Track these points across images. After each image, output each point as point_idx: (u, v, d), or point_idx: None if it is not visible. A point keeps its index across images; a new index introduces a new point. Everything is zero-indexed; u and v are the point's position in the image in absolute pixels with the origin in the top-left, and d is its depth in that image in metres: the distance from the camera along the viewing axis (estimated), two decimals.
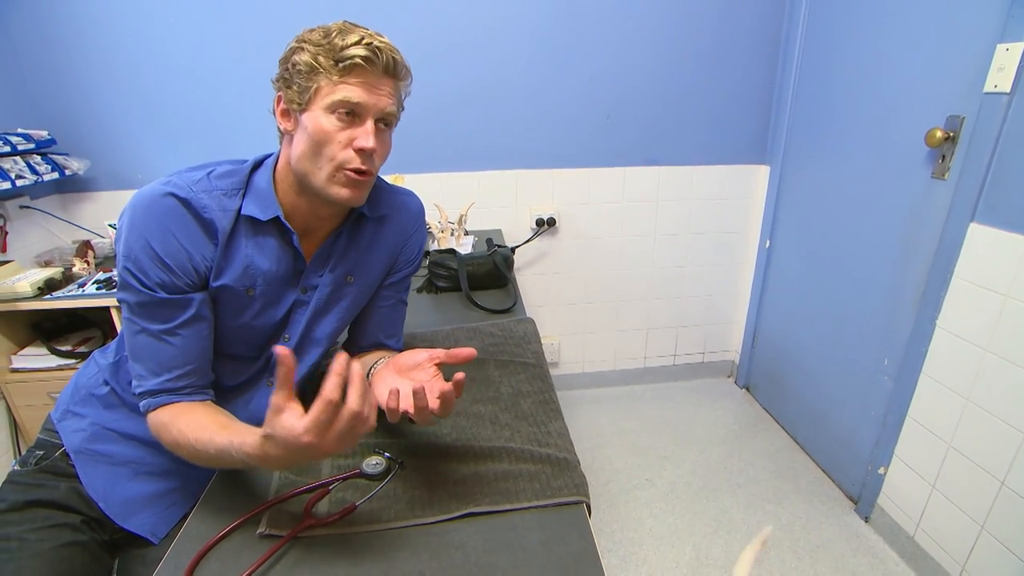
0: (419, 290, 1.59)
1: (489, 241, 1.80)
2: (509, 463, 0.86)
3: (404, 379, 0.83)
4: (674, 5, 2.07)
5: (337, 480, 0.82)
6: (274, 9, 1.90)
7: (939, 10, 1.55)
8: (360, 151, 0.78)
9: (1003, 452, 1.41)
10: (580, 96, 2.14)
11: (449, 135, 2.10)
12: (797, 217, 2.22)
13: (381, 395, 0.79)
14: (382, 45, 0.77)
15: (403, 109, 0.85)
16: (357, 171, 0.79)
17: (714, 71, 2.18)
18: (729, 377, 2.75)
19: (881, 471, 1.80)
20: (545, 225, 2.28)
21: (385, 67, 0.78)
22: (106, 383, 0.93)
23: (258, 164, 0.85)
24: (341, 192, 0.80)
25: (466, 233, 2.00)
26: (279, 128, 0.83)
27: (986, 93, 1.40)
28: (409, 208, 0.99)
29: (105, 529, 0.90)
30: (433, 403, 0.73)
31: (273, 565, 0.69)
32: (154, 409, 0.80)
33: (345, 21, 0.79)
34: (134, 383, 0.81)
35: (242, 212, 0.81)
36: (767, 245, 2.39)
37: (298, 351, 0.93)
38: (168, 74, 1.94)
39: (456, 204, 2.03)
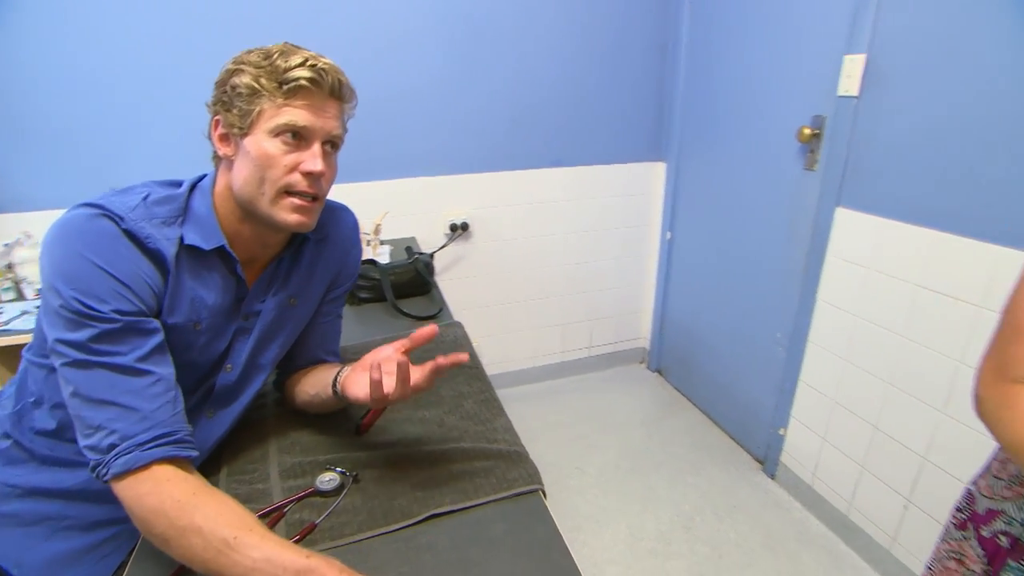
0: None
1: (409, 249, 1.80)
2: (463, 462, 0.89)
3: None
4: (572, 16, 2.18)
5: (291, 501, 0.81)
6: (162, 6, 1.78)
7: (798, 24, 1.76)
8: (308, 175, 0.76)
9: (875, 402, 1.63)
10: (487, 102, 2.19)
11: (359, 145, 2.06)
12: (693, 209, 2.41)
13: (357, 394, 0.80)
14: (327, 67, 0.75)
15: (346, 131, 0.84)
16: (306, 196, 0.77)
17: (611, 76, 2.32)
18: (642, 363, 2.92)
19: (781, 432, 2.01)
20: (459, 230, 2.31)
21: (331, 89, 0.76)
22: (7, 436, 0.84)
23: (192, 187, 0.81)
24: (290, 218, 0.78)
25: (381, 243, 1.98)
26: (216, 153, 0.80)
27: (840, 96, 1.61)
28: (346, 223, 0.99)
29: None
30: (418, 376, 0.75)
31: None
32: (139, 469, 0.67)
33: (286, 43, 0.77)
34: (96, 439, 0.67)
35: (184, 242, 0.76)
36: (668, 237, 2.57)
37: (243, 379, 0.89)
38: (28, 76, 1.74)
39: (369, 214, 2.00)
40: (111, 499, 0.82)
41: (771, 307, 2.00)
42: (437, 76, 2.10)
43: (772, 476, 2.09)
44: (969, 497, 0.84)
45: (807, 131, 1.71)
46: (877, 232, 1.56)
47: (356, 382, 0.83)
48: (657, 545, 1.80)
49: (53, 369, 0.73)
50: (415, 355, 0.80)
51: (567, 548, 0.75)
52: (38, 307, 0.79)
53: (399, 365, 0.73)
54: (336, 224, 0.97)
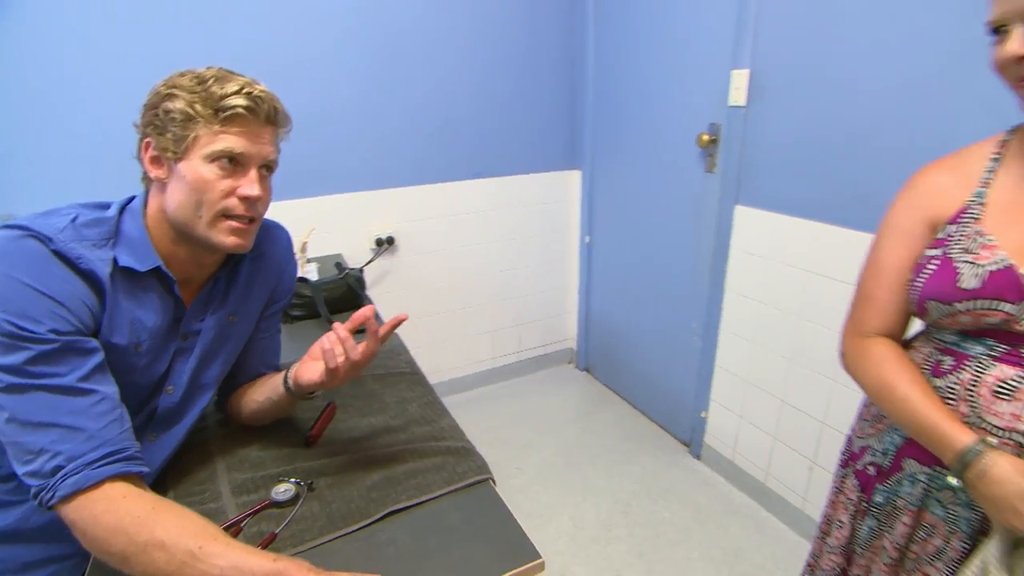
0: None
1: (338, 265, 1.80)
2: (414, 461, 0.93)
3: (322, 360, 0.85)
4: (486, 34, 2.26)
5: (247, 516, 0.81)
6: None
7: (691, 41, 1.93)
8: (245, 199, 0.78)
9: (780, 378, 1.81)
10: (407, 118, 2.22)
11: (282, 163, 2.04)
12: (609, 213, 2.56)
13: (312, 377, 0.84)
14: (263, 94, 0.77)
15: (280, 152, 0.86)
16: (243, 218, 0.79)
17: (525, 90, 2.42)
18: (570, 363, 3.04)
19: (703, 415, 2.17)
20: (385, 244, 2.32)
21: (267, 116, 0.78)
22: None
23: (122, 210, 0.80)
24: (228, 240, 0.79)
25: (308, 261, 1.96)
26: (147, 175, 0.79)
27: (731, 106, 1.79)
28: (280, 241, 1.00)
29: None
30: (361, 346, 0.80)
31: None
32: (94, 486, 0.65)
33: (220, 68, 0.78)
34: (38, 463, 0.65)
35: (119, 264, 0.75)
36: (587, 241, 2.71)
37: (185, 400, 0.88)
38: None
39: (295, 232, 1.97)
40: (44, 538, 0.80)
41: (685, 300, 2.16)
42: (356, 93, 2.11)
43: (698, 457, 2.24)
44: (848, 441, 0.99)
45: (705, 137, 1.88)
46: (771, 226, 1.75)
47: (308, 369, 0.86)
48: (599, 532, 1.89)
49: None
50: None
51: (521, 527, 0.80)
52: None
53: (343, 339, 0.78)
54: (271, 242, 0.98)
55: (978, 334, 0.76)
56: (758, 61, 1.68)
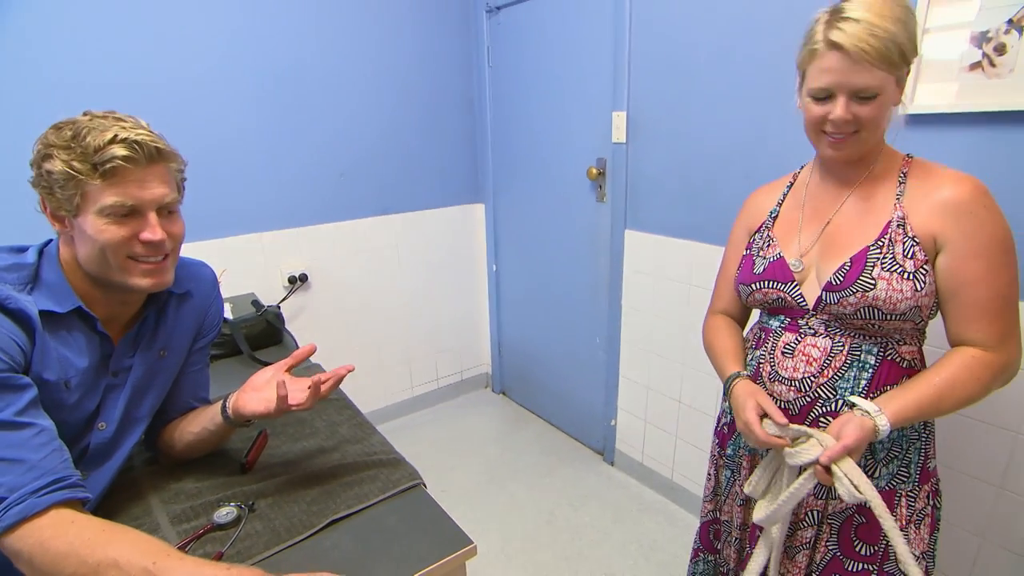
0: None
1: (255, 303, 1.82)
2: (349, 475, 1.00)
3: (268, 391, 0.92)
4: (388, 75, 2.39)
5: (190, 541, 0.85)
6: None
7: (576, 85, 2.16)
8: (148, 243, 0.79)
9: (676, 381, 2.02)
10: (314, 158, 2.29)
11: (189, 205, 2.03)
12: (512, 243, 2.73)
13: (256, 408, 0.90)
14: (140, 137, 0.75)
15: (185, 179, 0.88)
16: (152, 260, 0.81)
17: (428, 129, 2.57)
18: (486, 387, 3.14)
19: (612, 423, 2.35)
20: (298, 281, 2.34)
21: (149, 158, 0.77)
22: None
23: (40, 254, 0.82)
24: (143, 282, 0.82)
25: (224, 302, 1.95)
26: (53, 226, 0.81)
27: (614, 143, 2.02)
28: (205, 278, 1.05)
29: None
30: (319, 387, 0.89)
31: None
32: (39, 513, 0.67)
33: (96, 113, 0.77)
34: None
35: (38, 308, 0.77)
36: (495, 269, 2.86)
37: (118, 435, 0.90)
38: None
39: None
40: None
41: (588, 318, 2.36)
42: (262, 134, 2.15)
43: (612, 463, 2.41)
44: (720, 412, 1.21)
45: (594, 170, 2.10)
46: (656, 246, 1.98)
47: (251, 400, 0.92)
48: (526, 543, 1.99)
49: None
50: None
51: (454, 521, 0.90)
52: None
53: (279, 383, 0.86)
54: (195, 280, 1.02)
55: (775, 311, 1.02)
56: (633, 104, 1.93)
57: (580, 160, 2.19)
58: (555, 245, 2.46)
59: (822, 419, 0.94)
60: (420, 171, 2.60)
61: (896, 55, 0.81)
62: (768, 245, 1.03)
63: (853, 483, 0.83)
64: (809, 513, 1.01)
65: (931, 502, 0.99)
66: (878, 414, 0.85)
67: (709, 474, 1.23)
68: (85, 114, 0.79)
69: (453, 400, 3.00)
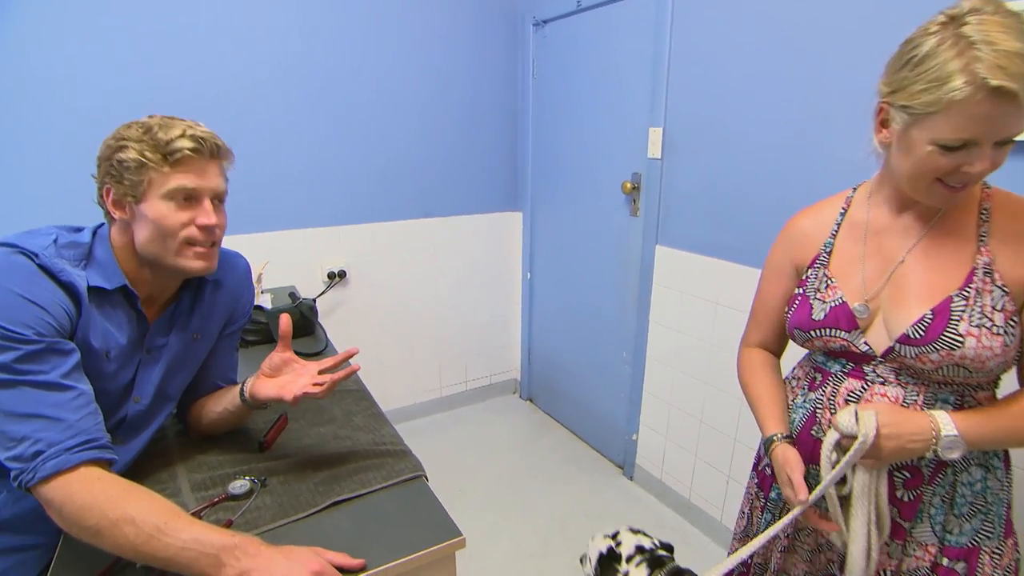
0: None
1: (292, 295, 1.92)
2: (357, 461, 1.05)
3: (280, 376, 0.99)
4: (435, 86, 2.48)
5: (205, 507, 0.92)
6: None
7: (616, 100, 2.19)
8: (204, 227, 0.89)
9: (698, 400, 2.01)
10: (361, 160, 2.39)
11: (240, 199, 2.14)
12: (547, 252, 2.76)
13: (269, 393, 0.96)
14: (204, 134, 0.88)
15: (228, 182, 0.99)
16: (205, 243, 0.91)
17: (471, 138, 2.64)
18: (514, 393, 3.18)
19: (634, 438, 2.34)
20: (337, 278, 2.44)
21: (211, 152, 0.89)
22: None
23: (94, 234, 0.92)
24: (195, 264, 0.91)
25: (263, 292, 2.07)
26: (111, 215, 0.90)
27: (649, 158, 2.03)
28: (239, 268, 1.13)
29: None
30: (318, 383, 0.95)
31: None
32: (71, 468, 0.75)
33: (162, 116, 0.89)
34: (20, 449, 0.74)
35: (89, 283, 0.86)
36: (529, 277, 2.90)
37: (152, 409, 0.99)
38: None
39: (251, 264, 2.09)
40: (13, 529, 0.89)
41: (616, 331, 2.36)
42: (312, 136, 2.27)
43: (631, 478, 2.40)
44: (759, 446, 1.15)
45: (628, 185, 2.12)
46: (685, 263, 1.97)
47: (263, 385, 0.99)
48: (537, 548, 2.01)
49: None
50: None
51: (447, 514, 0.94)
52: None
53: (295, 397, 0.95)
54: (231, 269, 1.11)
55: (836, 355, 0.93)
56: (670, 120, 1.94)
57: (616, 174, 2.21)
58: (588, 256, 2.48)
59: (896, 473, 0.88)
60: (461, 177, 2.67)
61: None
62: (827, 287, 0.91)
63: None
64: (882, 572, 0.94)
65: (1016, 554, 0.92)
66: (946, 418, 0.79)
67: (743, 512, 1.14)
68: (151, 117, 0.89)
69: (481, 403, 3.05)
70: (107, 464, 0.81)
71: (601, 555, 1.38)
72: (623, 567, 1.33)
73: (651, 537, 1.40)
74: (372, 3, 2.27)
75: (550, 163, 2.64)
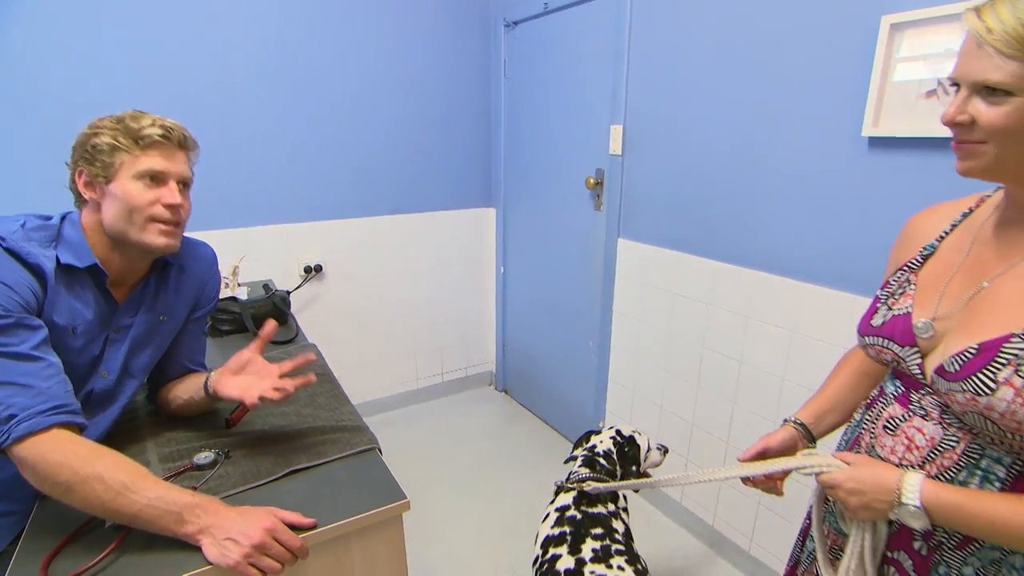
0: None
1: (266, 287, 1.99)
2: (315, 436, 1.13)
3: (243, 376, 1.05)
4: (410, 86, 2.55)
5: (172, 476, 0.99)
6: None
7: (580, 100, 2.28)
8: (169, 206, 0.98)
9: (658, 388, 2.10)
10: (336, 157, 2.46)
11: (217, 194, 2.22)
12: (520, 246, 2.85)
13: (231, 392, 1.03)
14: (173, 125, 0.98)
15: (193, 174, 1.06)
16: (169, 222, 0.99)
17: (445, 136, 2.72)
18: (489, 385, 3.26)
19: (600, 425, 2.43)
20: (313, 272, 2.51)
21: (178, 141, 0.98)
22: None
23: (62, 219, 0.99)
24: (159, 241, 0.98)
25: (239, 284, 2.13)
26: (81, 198, 0.98)
27: (611, 154, 2.12)
28: (204, 256, 1.20)
29: None
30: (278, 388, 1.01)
31: (127, 548, 0.83)
32: (42, 430, 0.81)
33: (133, 110, 0.98)
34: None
35: (60, 261, 0.93)
36: (503, 271, 2.98)
37: (119, 385, 1.06)
38: None
39: (227, 258, 2.15)
40: None
41: (584, 322, 2.45)
42: (287, 132, 2.34)
43: None
44: None
45: (592, 180, 2.20)
46: (645, 255, 2.06)
47: (227, 384, 1.06)
48: (505, 533, 2.09)
49: None
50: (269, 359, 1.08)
51: (396, 482, 1.02)
52: None
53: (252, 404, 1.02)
54: (195, 256, 1.18)
55: (895, 374, 0.82)
56: (629, 118, 2.03)
57: (580, 170, 2.30)
58: (557, 250, 2.56)
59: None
60: (436, 174, 2.75)
61: None
62: (903, 293, 0.80)
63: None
64: None
65: None
66: (913, 485, 0.70)
67: (797, 540, 1.04)
68: (124, 112, 0.98)
69: (457, 395, 3.13)
70: (78, 428, 0.87)
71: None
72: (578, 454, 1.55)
73: (624, 441, 1.57)
74: (349, 3, 2.34)
75: (522, 160, 2.72)
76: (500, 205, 2.90)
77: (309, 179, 2.44)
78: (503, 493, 2.31)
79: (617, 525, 1.36)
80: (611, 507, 1.40)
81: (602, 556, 1.24)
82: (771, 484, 0.94)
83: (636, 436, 1.59)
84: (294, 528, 0.86)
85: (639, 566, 1.25)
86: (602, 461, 1.49)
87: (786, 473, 0.91)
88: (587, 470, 1.46)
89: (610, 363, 2.33)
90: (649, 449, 1.60)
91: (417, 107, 2.61)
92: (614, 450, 1.53)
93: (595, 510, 1.37)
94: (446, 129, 2.73)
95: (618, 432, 1.58)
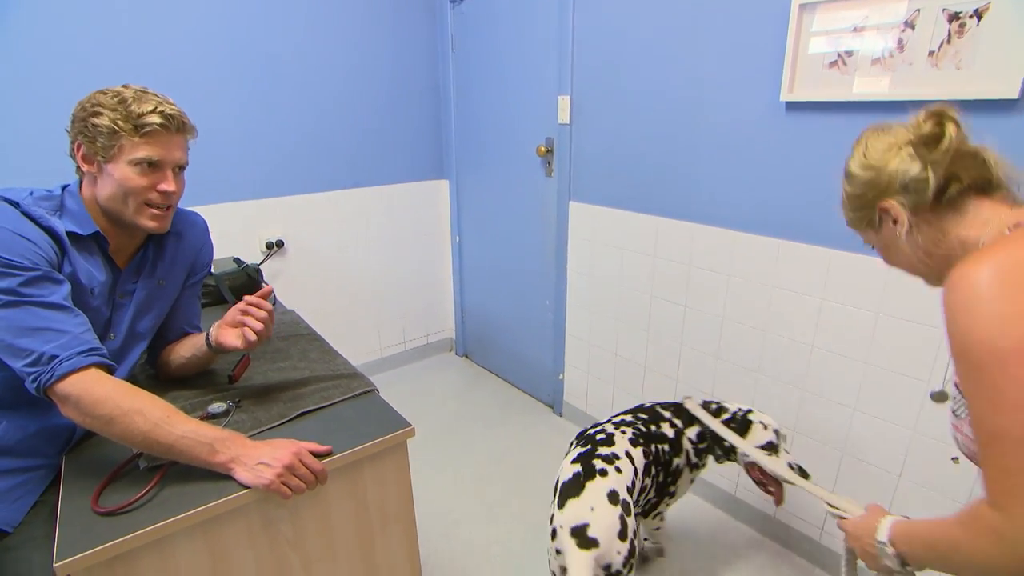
0: None
1: (236, 260, 2.03)
2: (317, 383, 1.24)
3: (237, 328, 1.14)
4: (359, 63, 2.59)
5: None
6: None
7: (528, 72, 2.40)
8: (163, 193, 1.03)
9: (611, 336, 2.30)
10: (291, 135, 2.49)
11: None
12: (473, 215, 2.97)
13: (234, 342, 1.12)
14: (173, 112, 1.01)
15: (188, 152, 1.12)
16: (161, 207, 1.06)
17: (398, 110, 2.79)
18: (450, 351, 3.40)
19: (560, 378, 2.62)
20: (275, 247, 2.55)
21: (177, 128, 1.03)
22: None
23: (63, 190, 1.04)
24: (150, 223, 1.05)
25: None
26: (80, 168, 1.04)
27: (560, 124, 2.27)
28: (197, 224, 1.28)
29: None
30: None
31: (167, 482, 0.93)
32: (83, 368, 0.88)
33: (136, 88, 1.02)
34: (35, 356, 0.86)
35: (65, 229, 0.99)
36: (458, 240, 3.10)
37: (124, 346, 1.13)
38: None
39: None
40: (19, 452, 1.02)
41: (538, 282, 2.61)
42: (241, 111, 2.35)
43: (560, 414, 2.69)
44: None
45: (542, 148, 2.35)
46: (594, 216, 2.24)
47: (226, 334, 1.15)
48: (478, 480, 2.25)
49: None
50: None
51: (400, 414, 1.15)
52: None
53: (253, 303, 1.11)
54: (190, 225, 1.26)
55: None
56: (576, 89, 2.18)
57: (531, 139, 2.43)
58: (510, 217, 2.70)
59: None
60: (389, 148, 2.82)
61: None
62: None
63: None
64: None
65: None
66: (885, 524, 0.79)
67: None
68: (125, 87, 1.02)
69: (419, 362, 3.25)
70: (110, 370, 0.95)
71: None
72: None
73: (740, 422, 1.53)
74: None
75: (472, 132, 2.83)
76: (453, 176, 3.00)
77: (265, 156, 2.46)
78: (472, 448, 2.46)
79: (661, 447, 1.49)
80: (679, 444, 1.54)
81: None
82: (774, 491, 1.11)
83: (758, 425, 1.50)
84: (313, 454, 0.98)
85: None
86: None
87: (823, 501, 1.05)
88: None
89: (566, 318, 2.51)
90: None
91: (365, 82, 2.66)
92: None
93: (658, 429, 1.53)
94: (396, 103, 2.79)
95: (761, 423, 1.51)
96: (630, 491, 1.32)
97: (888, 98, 1.35)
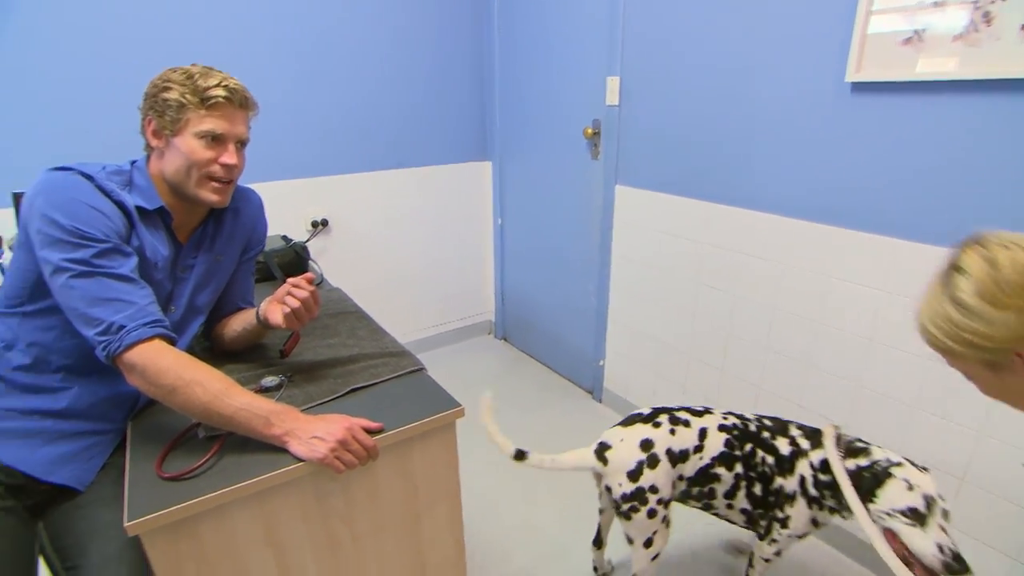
0: None
1: (284, 238, 2.06)
2: (367, 360, 1.25)
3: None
4: (406, 40, 2.59)
5: None
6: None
7: (576, 51, 2.35)
8: (225, 166, 1.06)
9: (654, 322, 2.26)
10: (335, 115, 2.51)
11: None
12: (516, 198, 2.95)
13: (278, 319, 1.12)
14: (237, 87, 1.04)
15: (250, 129, 1.14)
16: (223, 180, 1.08)
17: (442, 92, 2.78)
18: (489, 334, 3.40)
19: (601, 364, 2.60)
20: (320, 226, 2.59)
21: (240, 103, 1.05)
22: None
23: (132, 166, 1.07)
24: (212, 197, 1.07)
25: None
26: (149, 145, 1.06)
27: (608, 105, 2.22)
28: (253, 201, 1.30)
29: (28, 494, 1.01)
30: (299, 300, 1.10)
31: (226, 452, 0.95)
32: (148, 339, 0.91)
33: (203, 66, 1.05)
34: (104, 326, 0.89)
35: (134, 204, 1.02)
36: (499, 223, 3.08)
37: (184, 319, 1.16)
38: None
39: None
40: (89, 417, 1.06)
41: (582, 265, 2.58)
42: (288, 91, 2.37)
43: (600, 400, 2.67)
44: None
45: (589, 130, 2.30)
46: (641, 200, 2.19)
47: (273, 312, 1.16)
48: (516, 464, 2.26)
49: (25, 315, 0.97)
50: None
51: (449, 394, 1.15)
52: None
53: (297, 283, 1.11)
54: (246, 202, 1.28)
55: None
56: (625, 70, 2.12)
57: (577, 121, 2.39)
58: (554, 200, 2.67)
59: None
60: (433, 129, 2.81)
61: None
62: None
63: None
64: None
65: None
66: None
67: None
68: (193, 65, 1.05)
69: (457, 344, 3.27)
70: (172, 342, 0.98)
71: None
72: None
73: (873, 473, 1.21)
74: None
75: (517, 113, 2.79)
76: (496, 158, 2.98)
77: (311, 135, 2.49)
78: (509, 431, 2.43)
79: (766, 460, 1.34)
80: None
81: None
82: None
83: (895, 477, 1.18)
84: (365, 431, 0.99)
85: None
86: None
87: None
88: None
89: (609, 304, 2.47)
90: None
91: (413, 65, 2.65)
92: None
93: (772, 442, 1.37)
94: (442, 85, 2.77)
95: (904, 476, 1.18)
96: (673, 456, 1.37)
97: (971, 77, 1.27)
